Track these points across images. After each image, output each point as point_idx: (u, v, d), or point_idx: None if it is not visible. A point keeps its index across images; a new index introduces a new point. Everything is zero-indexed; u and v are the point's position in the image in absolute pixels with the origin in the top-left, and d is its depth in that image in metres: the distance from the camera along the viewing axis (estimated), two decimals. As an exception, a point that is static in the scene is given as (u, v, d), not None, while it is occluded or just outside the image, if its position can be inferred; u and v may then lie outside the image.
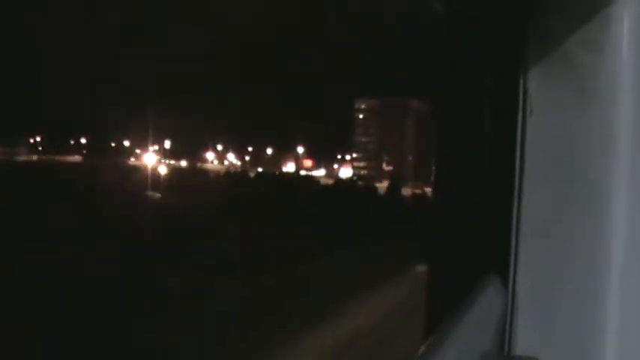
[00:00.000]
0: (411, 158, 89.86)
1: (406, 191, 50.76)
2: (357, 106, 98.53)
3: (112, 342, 10.55)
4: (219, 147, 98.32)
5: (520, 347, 1.18)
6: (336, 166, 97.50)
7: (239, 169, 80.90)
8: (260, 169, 77.86)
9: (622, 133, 1.11)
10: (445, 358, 0.84)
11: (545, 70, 1.16)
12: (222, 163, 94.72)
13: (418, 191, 48.60)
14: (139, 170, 55.28)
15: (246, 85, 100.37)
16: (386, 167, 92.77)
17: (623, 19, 1.11)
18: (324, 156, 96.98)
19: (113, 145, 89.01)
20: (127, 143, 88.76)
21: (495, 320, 1.14)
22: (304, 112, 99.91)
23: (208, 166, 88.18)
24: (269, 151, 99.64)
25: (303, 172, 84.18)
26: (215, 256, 16.52)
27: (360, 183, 61.61)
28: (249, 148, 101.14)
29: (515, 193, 1.19)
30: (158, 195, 35.45)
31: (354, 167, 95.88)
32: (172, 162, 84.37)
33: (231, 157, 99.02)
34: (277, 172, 77.23)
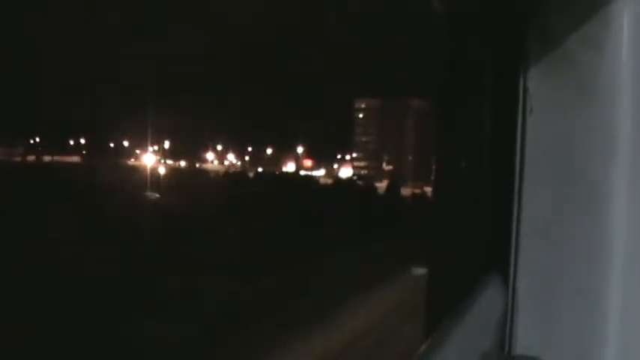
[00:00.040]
0: (411, 158, 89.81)
1: (406, 191, 50.73)
2: (357, 105, 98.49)
3: (111, 342, 10.54)
4: (219, 147, 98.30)
5: (520, 347, 1.18)
6: (336, 165, 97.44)
7: (239, 169, 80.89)
8: (260, 169, 77.82)
9: (622, 132, 1.11)
10: (446, 358, 0.84)
11: (545, 69, 1.17)
12: (223, 163, 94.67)
13: (418, 191, 48.57)
14: (138, 171, 55.25)
15: (246, 85, 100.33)
16: (386, 167, 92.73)
17: (622, 18, 1.11)
18: (324, 156, 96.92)
19: (112, 145, 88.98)
20: (126, 143, 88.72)
21: (496, 320, 1.14)
22: (304, 112, 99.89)
23: (208, 166, 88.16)
24: (269, 151, 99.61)
25: (303, 172, 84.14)
26: (214, 256, 16.52)
27: (359, 183, 61.56)
28: (249, 148, 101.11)
29: (516, 192, 1.19)
30: (157, 195, 35.46)
31: (354, 167, 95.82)
32: (172, 162, 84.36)
33: (231, 157, 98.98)
34: (277, 172, 77.19)
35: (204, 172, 69.85)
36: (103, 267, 14.56)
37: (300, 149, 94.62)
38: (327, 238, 20.94)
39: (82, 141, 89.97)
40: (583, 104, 1.13)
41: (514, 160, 1.19)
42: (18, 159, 65.62)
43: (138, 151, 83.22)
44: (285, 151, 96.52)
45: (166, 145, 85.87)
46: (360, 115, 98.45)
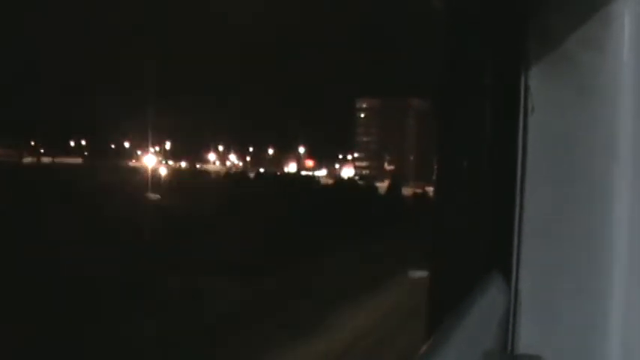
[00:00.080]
0: (412, 157, 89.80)
1: (407, 191, 50.72)
2: (358, 105, 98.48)
3: (111, 342, 10.55)
4: (220, 148, 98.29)
5: (523, 346, 1.18)
6: (337, 165, 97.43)
7: (240, 170, 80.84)
8: (262, 170, 77.79)
9: (623, 132, 1.12)
10: (447, 357, 0.84)
11: (545, 68, 1.17)
12: (224, 163, 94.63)
13: (419, 191, 48.57)
14: (138, 172, 55.25)
15: (247, 85, 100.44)
16: (387, 167, 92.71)
17: (623, 17, 1.11)
18: (325, 156, 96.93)
19: (113, 146, 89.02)
20: (127, 145, 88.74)
21: (498, 319, 1.14)
22: (305, 112, 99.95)
23: (209, 166, 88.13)
24: (270, 151, 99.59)
25: (304, 172, 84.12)
26: (215, 256, 16.51)
27: (360, 182, 61.55)
28: (250, 149, 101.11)
29: (517, 191, 1.19)
30: (158, 196, 35.46)
31: (355, 167, 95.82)
32: (173, 163, 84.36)
33: (233, 158, 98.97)
34: (278, 173, 77.18)
35: (206, 173, 69.83)
36: (104, 267, 14.56)
37: (301, 149, 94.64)
38: (327, 238, 20.93)
39: (83, 142, 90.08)
40: (584, 104, 1.14)
41: (515, 160, 1.19)
42: (18, 160, 65.65)
43: (139, 152, 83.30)
44: (286, 151, 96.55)
45: (167, 146, 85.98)
46: (362, 115, 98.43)
